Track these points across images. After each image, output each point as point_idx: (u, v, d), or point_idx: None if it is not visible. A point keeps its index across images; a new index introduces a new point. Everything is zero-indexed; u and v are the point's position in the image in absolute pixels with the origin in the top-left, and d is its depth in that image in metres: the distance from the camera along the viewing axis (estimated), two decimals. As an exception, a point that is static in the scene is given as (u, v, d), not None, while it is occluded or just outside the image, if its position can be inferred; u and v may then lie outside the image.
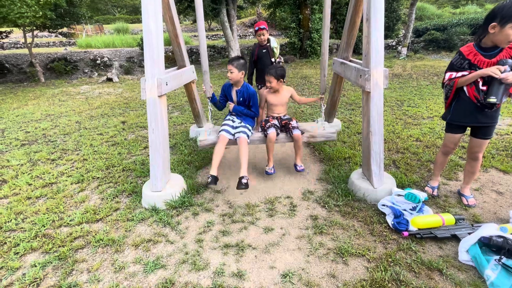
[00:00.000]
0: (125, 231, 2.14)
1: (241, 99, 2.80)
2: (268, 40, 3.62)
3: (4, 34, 10.23)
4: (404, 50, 11.13)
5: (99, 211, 2.38)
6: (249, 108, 2.83)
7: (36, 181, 2.96)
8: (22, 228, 2.21)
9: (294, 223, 2.17)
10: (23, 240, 2.06)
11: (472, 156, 2.22)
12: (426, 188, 2.47)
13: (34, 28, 9.20)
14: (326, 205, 2.34)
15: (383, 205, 2.20)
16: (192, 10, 11.89)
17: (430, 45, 12.26)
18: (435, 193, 2.42)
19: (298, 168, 2.75)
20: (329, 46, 12.39)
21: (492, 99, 1.90)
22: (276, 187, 2.68)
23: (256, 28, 3.56)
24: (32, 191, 2.77)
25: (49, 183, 2.92)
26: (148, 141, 2.38)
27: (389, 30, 13.81)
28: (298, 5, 11.15)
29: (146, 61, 2.30)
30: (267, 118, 2.87)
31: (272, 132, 2.67)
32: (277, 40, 3.76)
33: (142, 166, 3.19)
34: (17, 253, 1.94)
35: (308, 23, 11.11)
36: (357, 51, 11.32)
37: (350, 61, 3.07)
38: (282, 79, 2.76)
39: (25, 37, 9.26)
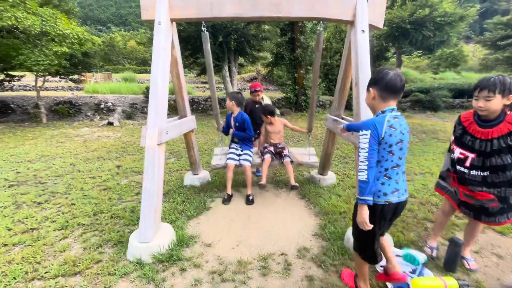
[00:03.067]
0: (104, 287, 1.96)
1: (237, 124, 3.49)
2: (262, 98, 4.10)
3: (17, 78, 10.81)
4: (392, 109, 11.91)
5: (79, 263, 2.21)
6: (244, 131, 3.50)
7: (17, 226, 2.79)
8: (-10, 280, 2.02)
9: (288, 285, 2.02)
10: (-12, 295, 1.86)
11: None
12: (425, 249, 2.39)
13: (47, 74, 9.76)
14: (322, 264, 2.22)
15: (382, 266, 2.09)
16: (197, 65, 12.96)
17: (415, 105, 13.22)
18: (434, 254, 2.33)
19: (293, 184, 3.27)
20: (322, 101, 13.32)
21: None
22: (270, 242, 2.56)
23: (252, 90, 4.00)
24: (10, 236, 2.60)
25: (31, 229, 2.75)
26: (141, 187, 2.36)
27: (377, 90, 15.00)
28: (293, 65, 12.31)
29: (150, 110, 2.42)
30: (265, 145, 3.66)
31: (267, 157, 3.47)
32: (268, 99, 4.28)
33: (131, 213, 3.07)
34: (-22, 311, 1.74)
35: (303, 81, 12.10)
36: (349, 107, 12.07)
37: (342, 118, 3.27)
38: (270, 115, 3.56)
39: (36, 81, 9.76)
